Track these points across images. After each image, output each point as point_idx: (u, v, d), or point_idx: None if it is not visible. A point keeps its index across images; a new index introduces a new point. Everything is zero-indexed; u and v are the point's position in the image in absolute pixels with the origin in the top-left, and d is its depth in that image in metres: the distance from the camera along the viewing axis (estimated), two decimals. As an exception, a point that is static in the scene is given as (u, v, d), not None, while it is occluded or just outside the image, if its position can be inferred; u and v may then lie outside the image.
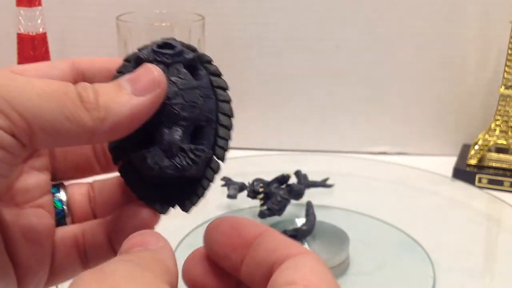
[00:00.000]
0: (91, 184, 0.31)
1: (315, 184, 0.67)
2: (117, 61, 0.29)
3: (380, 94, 0.82)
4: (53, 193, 0.30)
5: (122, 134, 0.25)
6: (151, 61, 0.27)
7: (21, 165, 0.28)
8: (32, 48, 0.69)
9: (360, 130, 0.84)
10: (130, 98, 0.24)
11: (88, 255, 0.29)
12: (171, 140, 0.26)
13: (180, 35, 0.72)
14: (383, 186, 0.71)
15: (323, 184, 0.68)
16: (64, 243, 0.29)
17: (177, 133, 0.27)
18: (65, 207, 0.30)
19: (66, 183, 0.31)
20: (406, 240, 0.60)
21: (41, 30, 0.70)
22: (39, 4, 0.69)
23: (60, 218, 0.29)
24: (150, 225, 0.27)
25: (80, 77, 0.29)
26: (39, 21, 0.69)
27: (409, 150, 0.84)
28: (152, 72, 0.26)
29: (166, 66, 0.28)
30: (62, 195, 0.30)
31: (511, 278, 0.56)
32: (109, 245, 0.29)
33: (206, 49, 0.75)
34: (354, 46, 0.80)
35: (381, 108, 0.83)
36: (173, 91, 0.27)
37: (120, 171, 0.29)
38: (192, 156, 0.27)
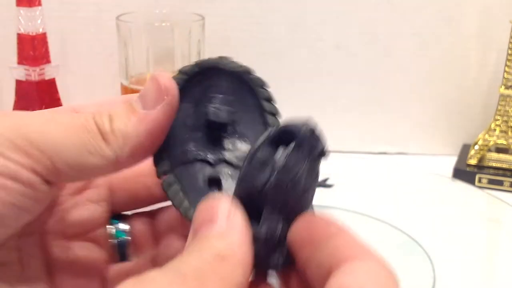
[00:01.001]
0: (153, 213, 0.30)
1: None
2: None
3: (380, 94, 0.82)
4: (114, 224, 0.29)
5: (147, 153, 0.25)
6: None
7: (75, 197, 0.27)
8: (32, 48, 0.69)
9: (360, 130, 0.84)
10: (142, 115, 0.24)
11: None
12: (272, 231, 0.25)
13: (180, 35, 0.72)
14: (383, 186, 0.71)
15: (323, 184, 0.68)
16: (119, 280, 0.27)
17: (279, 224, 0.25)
18: (128, 237, 0.29)
19: (127, 212, 0.30)
20: (406, 240, 0.60)
21: (41, 30, 0.70)
22: (39, 4, 0.69)
23: (122, 249, 0.28)
24: None
25: None
26: (39, 21, 0.69)
27: (409, 150, 0.84)
28: (157, 82, 0.25)
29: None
30: (123, 226, 0.29)
31: (511, 278, 0.56)
32: None
33: (206, 49, 0.75)
34: (354, 46, 0.80)
35: (381, 108, 0.83)
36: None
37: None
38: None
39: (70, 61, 0.82)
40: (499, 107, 0.75)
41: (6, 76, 0.73)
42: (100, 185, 0.28)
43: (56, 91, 0.73)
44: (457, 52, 0.79)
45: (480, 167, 0.75)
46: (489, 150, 0.76)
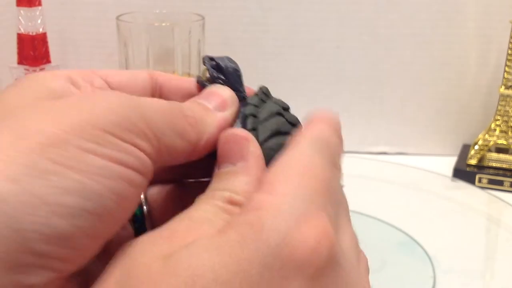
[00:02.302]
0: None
1: None
2: (191, 81, 0.29)
3: (380, 94, 0.82)
4: None
5: (211, 148, 0.25)
6: None
7: None
8: (32, 48, 0.69)
9: (360, 130, 0.84)
10: (217, 113, 0.26)
11: None
12: None
13: (180, 35, 0.72)
14: (383, 186, 0.71)
15: None
16: None
17: None
18: (144, 209, 0.27)
19: None
20: (406, 240, 0.60)
21: (41, 30, 0.70)
22: (39, 4, 0.69)
23: (140, 225, 0.27)
24: None
25: (157, 92, 0.29)
26: (39, 21, 0.69)
27: (409, 150, 0.84)
28: (224, 90, 0.28)
29: None
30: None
31: (511, 278, 0.56)
32: None
33: (206, 49, 0.75)
34: (354, 46, 0.80)
35: (381, 108, 0.83)
36: None
37: None
38: None
39: (70, 61, 0.82)
40: (499, 107, 0.75)
41: (6, 76, 0.73)
42: None
43: (56, 91, 0.73)
44: (457, 52, 0.79)
45: (480, 167, 0.75)
46: (489, 150, 0.76)
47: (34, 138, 0.19)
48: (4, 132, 0.20)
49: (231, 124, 0.26)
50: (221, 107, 0.26)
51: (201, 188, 0.24)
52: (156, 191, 0.28)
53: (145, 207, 0.27)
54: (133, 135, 0.21)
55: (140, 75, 0.28)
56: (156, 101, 0.23)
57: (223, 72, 0.30)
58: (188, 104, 0.25)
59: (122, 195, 0.20)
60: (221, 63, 0.30)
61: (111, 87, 0.27)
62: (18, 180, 0.18)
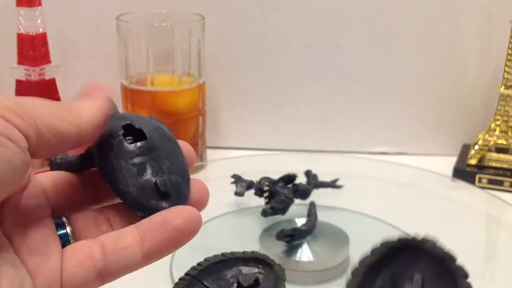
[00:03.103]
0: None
1: (323, 185, 0.67)
2: None
3: (380, 94, 0.82)
4: (56, 219, 0.31)
5: (95, 130, 0.30)
6: None
7: (21, 191, 0.30)
8: (32, 48, 0.69)
9: (360, 130, 0.84)
10: (92, 102, 0.31)
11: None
12: None
13: (180, 35, 0.72)
14: (383, 186, 0.71)
15: (332, 184, 0.68)
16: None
17: None
18: (68, 231, 0.31)
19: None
20: (406, 240, 0.60)
21: (41, 30, 0.70)
22: (39, 4, 0.69)
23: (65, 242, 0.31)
24: None
25: None
26: (39, 21, 0.69)
27: (409, 150, 0.84)
28: (101, 85, 0.34)
29: None
30: (63, 220, 0.31)
31: (511, 278, 0.56)
32: None
33: (206, 49, 0.75)
34: (354, 46, 0.80)
35: (381, 108, 0.83)
36: None
37: None
38: None
39: (70, 61, 0.82)
40: (499, 107, 0.75)
41: (6, 76, 0.73)
42: (36, 185, 0.31)
43: (56, 91, 0.73)
44: (457, 52, 0.79)
45: (480, 167, 0.75)
46: (489, 150, 0.76)
47: None
48: None
49: (106, 110, 0.31)
50: (98, 97, 0.32)
51: (116, 210, 0.31)
52: (80, 215, 0.32)
53: (68, 229, 0.31)
54: (12, 116, 0.26)
55: None
56: (35, 98, 0.29)
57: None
58: (71, 102, 0.31)
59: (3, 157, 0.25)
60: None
61: None
62: None
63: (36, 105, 0.28)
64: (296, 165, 0.68)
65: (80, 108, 0.30)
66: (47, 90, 0.72)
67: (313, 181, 0.66)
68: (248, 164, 0.75)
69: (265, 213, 0.60)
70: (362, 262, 0.31)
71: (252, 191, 0.64)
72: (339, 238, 0.57)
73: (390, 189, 0.71)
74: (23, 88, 0.71)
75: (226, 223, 0.64)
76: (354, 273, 0.31)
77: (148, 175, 0.29)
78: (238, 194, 0.64)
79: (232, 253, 0.37)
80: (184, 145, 0.33)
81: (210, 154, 0.80)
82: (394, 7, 0.78)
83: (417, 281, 0.30)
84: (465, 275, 0.31)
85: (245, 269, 0.36)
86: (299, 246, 0.55)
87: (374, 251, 0.31)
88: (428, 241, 0.31)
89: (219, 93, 0.82)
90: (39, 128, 0.27)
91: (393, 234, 0.61)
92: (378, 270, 0.30)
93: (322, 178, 0.68)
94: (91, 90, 0.33)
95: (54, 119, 0.28)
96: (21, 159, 0.26)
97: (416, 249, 0.31)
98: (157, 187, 0.29)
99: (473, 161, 0.76)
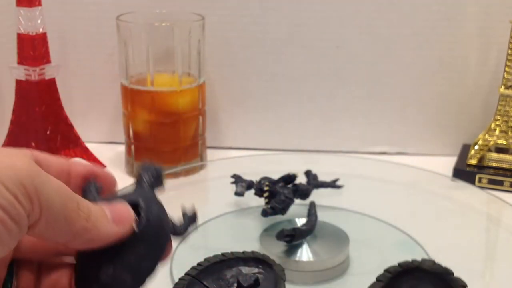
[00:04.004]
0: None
1: (323, 185, 0.67)
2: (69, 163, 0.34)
3: (380, 94, 0.82)
4: (8, 270, 0.32)
5: (91, 247, 0.30)
6: None
7: None
8: (32, 48, 0.69)
9: (360, 130, 0.84)
10: (111, 225, 0.30)
11: None
12: None
13: (180, 35, 0.72)
14: (383, 186, 0.71)
15: (332, 184, 0.68)
16: None
17: None
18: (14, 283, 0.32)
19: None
20: (406, 240, 0.60)
21: (41, 30, 0.70)
22: (39, 4, 0.69)
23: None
24: None
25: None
26: (39, 21, 0.69)
27: (409, 150, 0.84)
28: (128, 211, 0.32)
29: None
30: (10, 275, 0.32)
31: (511, 278, 0.56)
32: None
33: (206, 49, 0.75)
34: (354, 46, 0.80)
35: (381, 108, 0.83)
36: None
37: None
38: None
39: (70, 61, 0.82)
40: (499, 107, 0.75)
41: (6, 76, 0.73)
42: None
43: (56, 91, 0.73)
44: (457, 52, 0.79)
45: (480, 167, 0.75)
46: (489, 150, 0.76)
47: None
48: None
49: (118, 238, 0.31)
50: (117, 222, 0.31)
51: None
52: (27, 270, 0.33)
53: (15, 282, 0.32)
54: (19, 193, 0.26)
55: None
56: (56, 182, 0.28)
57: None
58: (89, 203, 0.30)
59: None
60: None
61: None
62: None
63: (51, 194, 0.27)
64: (296, 165, 0.68)
65: (96, 221, 0.30)
66: (47, 90, 0.72)
67: (313, 181, 0.66)
68: (248, 164, 0.75)
69: (265, 213, 0.60)
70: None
71: (252, 191, 0.64)
72: (339, 238, 0.57)
73: (390, 189, 0.71)
74: (23, 88, 0.71)
75: (226, 223, 0.64)
76: None
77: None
78: (238, 194, 0.64)
79: (232, 253, 0.37)
80: (104, 175, 0.35)
81: (210, 154, 0.80)
82: (394, 7, 0.78)
83: None
84: (464, 285, 0.34)
85: (245, 269, 0.36)
86: (299, 246, 0.55)
87: (380, 278, 0.34)
88: (427, 260, 0.34)
89: (219, 93, 0.82)
90: (40, 217, 0.27)
91: (393, 234, 0.61)
92: None
93: (322, 178, 0.68)
94: (118, 213, 0.32)
95: (59, 215, 0.28)
96: (16, 237, 0.26)
97: (416, 271, 0.33)
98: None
99: (473, 161, 0.76)
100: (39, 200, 0.26)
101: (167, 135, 0.74)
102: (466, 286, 0.33)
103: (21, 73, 0.70)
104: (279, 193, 0.61)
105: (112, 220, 0.31)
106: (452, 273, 0.33)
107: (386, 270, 0.33)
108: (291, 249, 0.55)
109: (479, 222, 0.66)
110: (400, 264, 0.34)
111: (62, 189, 0.28)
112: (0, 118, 0.78)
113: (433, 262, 0.33)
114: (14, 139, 0.72)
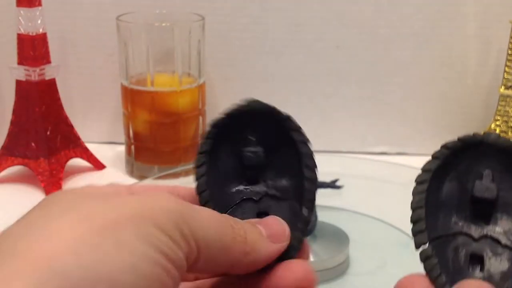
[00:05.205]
0: None
1: (323, 185, 0.67)
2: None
3: (380, 94, 0.82)
4: None
5: (252, 270, 0.28)
6: None
7: None
8: (32, 48, 0.69)
9: (360, 130, 0.84)
10: (269, 244, 0.28)
11: None
12: None
13: (180, 35, 0.72)
14: (383, 186, 0.71)
15: (332, 185, 0.68)
16: None
17: None
18: None
19: None
20: (406, 240, 0.60)
21: (41, 30, 0.70)
22: (39, 4, 0.69)
23: None
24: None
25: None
26: (39, 21, 0.69)
27: (409, 150, 0.84)
28: (283, 226, 0.30)
29: None
30: None
31: (511, 278, 0.56)
32: None
33: (206, 49, 0.75)
34: (354, 46, 0.80)
35: (381, 108, 0.83)
36: None
37: None
38: None
39: (70, 61, 0.82)
40: (499, 107, 0.75)
41: (6, 76, 0.73)
42: None
43: (56, 91, 0.73)
44: (457, 52, 0.79)
45: (480, 167, 0.75)
46: (489, 150, 0.76)
47: (95, 220, 0.23)
48: (71, 213, 0.23)
49: (276, 256, 0.28)
50: (275, 239, 0.29)
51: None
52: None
53: None
54: (176, 235, 0.24)
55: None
56: (207, 213, 0.26)
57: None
58: (242, 223, 0.28)
59: (161, 280, 0.23)
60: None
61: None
62: (80, 256, 0.21)
63: (207, 231, 0.25)
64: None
65: (254, 244, 0.28)
66: (47, 90, 0.72)
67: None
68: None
69: (265, 213, 0.60)
70: (426, 168, 0.30)
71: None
72: (339, 238, 0.57)
73: (390, 189, 0.71)
74: (23, 88, 0.71)
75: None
76: (420, 180, 0.30)
77: None
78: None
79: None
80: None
81: (210, 154, 0.80)
82: (394, 7, 0.78)
83: (486, 176, 0.29)
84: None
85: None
86: (299, 246, 0.55)
87: (436, 155, 0.31)
88: (491, 134, 0.30)
89: (219, 93, 0.82)
90: (198, 259, 0.25)
91: (393, 234, 0.61)
92: (443, 173, 0.30)
93: (321, 178, 0.68)
94: (272, 228, 0.29)
95: (217, 249, 0.26)
96: (177, 283, 0.24)
97: (479, 146, 0.30)
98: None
99: (473, 161, 0.76)
100: (196, 239, 0.25)
101: (167, 135, 0.74)
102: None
103: (21, 73, 0.70)
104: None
105: (268, 237, 0.29)
106: None
107: (444, 146, 0.30)
108: (291, 249, 0.55)
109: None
110: (460, 139, 0.30)
111: (214, 217, 0.26)
112: (0, 118, 0.78)
113: (498, 135, 0.30)
114: (14, 139, 0.72)
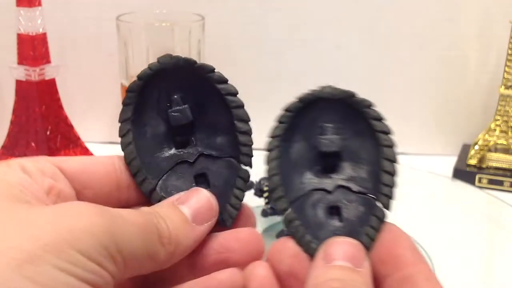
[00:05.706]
0: None
1: None
2: None
3: (380, 94, 0.82)
4: None
5: (180, 258, 0.27)
6: None
7: None
8: (32, 48, 0.69)
9: (360, 130, 0.84)
10: (193, 229, 0.27)
11: None
12: None
13: (180, 35, 0.72)
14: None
15: None
16: None
17: None
18: None
19: None
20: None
21: (41, 30, 0.70)
22: (39, 4, 0.69)
23: None
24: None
25: (120, 176, 0.30)
26: (39, 21, 0.69)
27: (409, 150, 0.84)
28: (209, 200, 0.28)
29: None
30: None
31: (511, 278, 0.56)
32: None
33: (206, 49, 0.75)
34: (354, 46, 0.80)
35: (381, 108, 0.82)
36: None
37: None
38: None
39: (70, 61, 0.82)
40: (499, 107, 0.75)
41: (6, 76, 0.73)
42: None
43: (56, 91, 0.73)
44: (457, 52, 0.79)
45: (480, 167, 0.75)
46: (489, 150, 0.76)
47: (11, 253, 0.21)
48: None
49: (205, 235, 0.28)
50: (201, 221, 0.27)
51: None
52: None
53: None
54: (102, 257, 0.23)
55: (101, 161, 0.29)
56: (132, 221, 0.25)
57: None
58: (164, 209, 0.27)
59: None
60: None
61: (65, 174, 0.27)
62: None
63: (133, 241, 0.24)
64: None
65: (179, 240, 0.26)
66: (47, 90, 0.72)
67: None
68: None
69: (265, 213, 0.60)
70: (274, 134, 0.31)
71: (252, 191, 0.64)
72: (339, 238, 0.57)
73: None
74: (23, 88, 0.71)
75: (226, 223, 0.64)
76: (270, 147, 0.31)
77: None
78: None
79: None
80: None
81: (210, 154, 0.80)
82: (394, 7, 0.78)
83: (327, 129, 0.30)
84: (369, 105, 0.33)
85: None
86: (299, 246, 0.55)
87: (281, 120, 0.32)
88: (327, 87, 0.33)
89: (219, 93, 0.82)
90: (126, 269, 0.24)
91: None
92: (291, 136, 0.31)
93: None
94: (198, 209, 0.28)
95: (142, 257, 0.25)
96: None
97: (318, 101, 0.32)
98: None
99: (473, 161, 0.76)
100: (123, 256, 0.24)
101: (167, 135, 0.74)
102: (372, 105, 0.32)
103: (21, 73, 0.70)
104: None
105: (193, 218, 0.27)
106: (353, 95, 0.32)
107: (286, 109, 0.31)
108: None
109: (479, 222, 0.66)
110: (299, 98, 0.32)
111: (139, 225, 0.25)
112: (0, 118, 0.78)
113: (333, 87, 0.32)
114: (14, 139, 0.72)
